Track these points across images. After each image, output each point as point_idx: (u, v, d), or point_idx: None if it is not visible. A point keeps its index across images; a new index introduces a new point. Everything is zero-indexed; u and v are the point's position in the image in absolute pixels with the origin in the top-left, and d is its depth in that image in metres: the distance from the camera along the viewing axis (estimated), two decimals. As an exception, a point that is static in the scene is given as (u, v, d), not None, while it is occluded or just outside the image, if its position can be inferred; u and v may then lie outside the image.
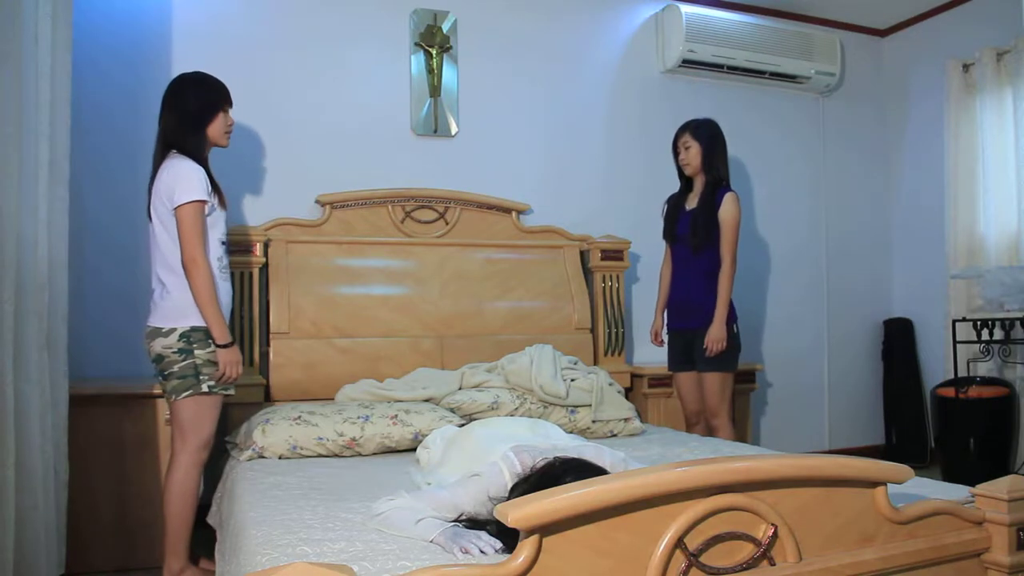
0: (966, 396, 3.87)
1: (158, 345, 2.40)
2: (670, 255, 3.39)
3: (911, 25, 4.71)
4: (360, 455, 2.68)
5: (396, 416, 2.73)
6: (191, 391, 2.39)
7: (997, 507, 1.55)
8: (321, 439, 2.63)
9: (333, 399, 3.05)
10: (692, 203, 3.27)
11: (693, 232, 3.19)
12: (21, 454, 2.21)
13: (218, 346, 2.41)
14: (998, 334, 3.87)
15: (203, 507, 2.73)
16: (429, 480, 2.13)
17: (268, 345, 3.16)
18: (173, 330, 2.39)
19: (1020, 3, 3.48)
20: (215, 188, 2.50)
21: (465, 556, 1.43)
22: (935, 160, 4.43)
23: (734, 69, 4.24)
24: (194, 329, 2.40)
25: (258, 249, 3.18)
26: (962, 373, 4.02)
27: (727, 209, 3.14)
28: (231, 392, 2.52)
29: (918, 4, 4.52)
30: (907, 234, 4.77)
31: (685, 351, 3.25)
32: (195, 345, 2.40)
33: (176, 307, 2.41)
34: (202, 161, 2.49)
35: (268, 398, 3.12)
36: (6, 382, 2.14)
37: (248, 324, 3.12)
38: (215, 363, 2.42)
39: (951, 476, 3.72)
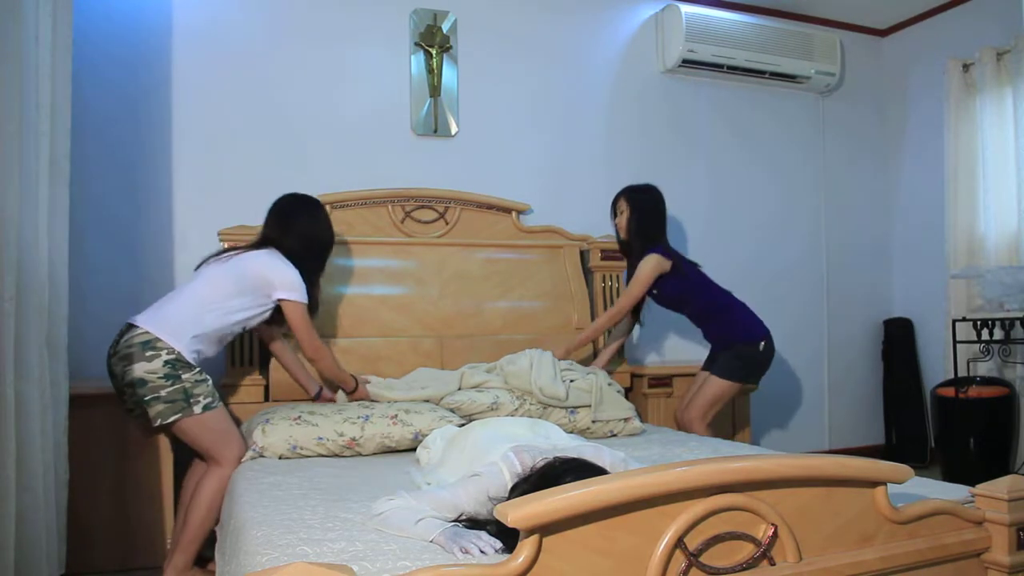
0: (966, 396, 3.87)
1: (140, 370, 2.39)
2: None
3: (911, 25, 4.71)
4: (360, 455, 2.68)
5: (396, 416, 2.73)
6: (181, 415, 2.41)
7: (997, 507, 1.55)
8: (321, 439, 2.63)
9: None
10: (631, 269, 3.38)
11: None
12: (21, 454, 2.20)
13: (348, 394, 2.91)
14: (998, 334, 3.87)
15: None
16: (429, 480, 2.13)
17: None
18: (157, 355, 2.39)
19: (1020, 3, 3.48)
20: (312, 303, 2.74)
21: (465, 556, 1.42)
22: (935, 160, 4.43)
23: (734, 69, 4.24)
24: (178, 358, 2.43)
25: (258, 249, 3.17)
26: (962, 373, 4.02)
27: (642, 265, 3.23)
28: (220, 404, 2.54)
29: (918, 4, 4.52)
30: (907, 234, 4.77)
31: (710, 358, 3.39)
32: (180, 370, 2.42)
33: (172, 323, 2.47)
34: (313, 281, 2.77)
35: (268, 398, 3.12)
36: (6, 382, 2.13)
37: (248, 324, 3.12)
38: (203, 381, 2.46)
39: (951, 476, 3.72)
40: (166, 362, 2.40)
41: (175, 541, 2.56)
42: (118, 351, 2.45)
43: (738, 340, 3.25)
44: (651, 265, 3.21)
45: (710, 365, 3.34)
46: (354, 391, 2.91)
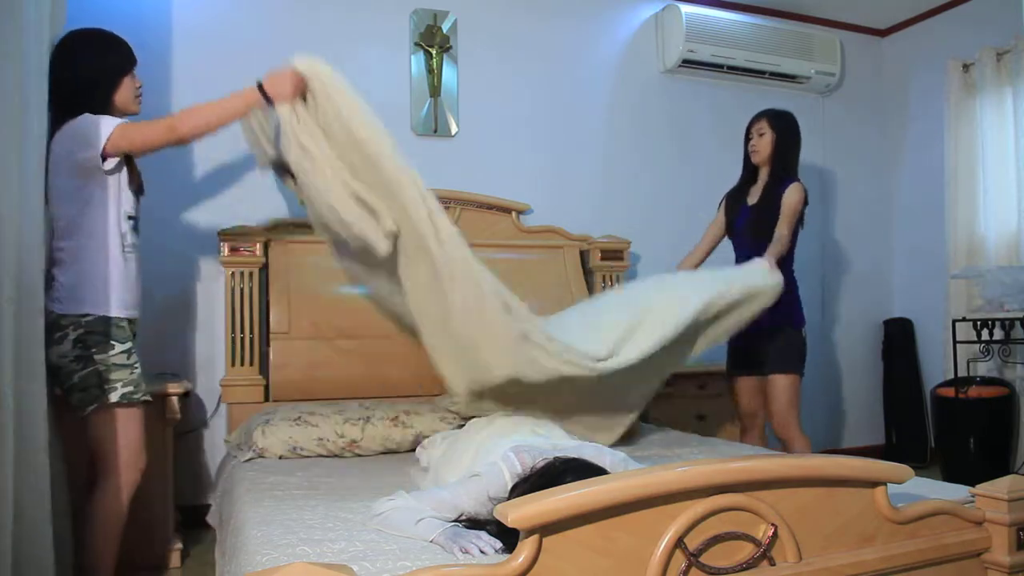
0: (966, 396, 3.87)
1: (53, 355, 2.06)
2: (709, 240, 3.26)
3: (911, 25, 4.71)
4: (360, 456, 2.68)
5: (396, 418, 2.72)
6: (96, 404, 2.10)
7: (997, 507, 1.55)
8: (321, 439, 2.62)
9: (334, 400, 3.02)
10: (754, 197, 3.14)
11: (754, 229, 3.04)
12: (21, 454, 2.20)
13: (262, 90, 2.12)
14: (998, 334, 3.87)
15: (203, 507, 2.74)
16: (429, 480, 2.13)
17: (268, 345, 3.16)
18: (64, 334, 2.07)
19: (1020, 3, 3.48)
20: (130, 165, 2.21)
21: (465, 556, 1.42)
22: (935, 160, 4.43)
23: (734, 69, 4.24)
24: (88, 331, 2.08)
25: (258, 249, 3.17)
26: (962, 373, 4.02)
27: (789, 194, 3.00)
28: (148, 399, 2.21)
29: (918, 4, 4.52)
30: (907, 234, 4.77)
31: (748, 355, 3.04)
32: (94, 349, 2.07)
33: (68, 288, 2.07)
34: None
35: (268, 398, 3.11)
36: (6, 382, 2.13)
37: (248, 324, 3.11)
38: (126, 366, 2.11)
39: (951, 476, 3.72)
40: (76, 340, 2.06)
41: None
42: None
43: (792, 324, 3.00)
44: (799, 194, 2.99)
45: (758, 367, 3.01)
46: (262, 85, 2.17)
